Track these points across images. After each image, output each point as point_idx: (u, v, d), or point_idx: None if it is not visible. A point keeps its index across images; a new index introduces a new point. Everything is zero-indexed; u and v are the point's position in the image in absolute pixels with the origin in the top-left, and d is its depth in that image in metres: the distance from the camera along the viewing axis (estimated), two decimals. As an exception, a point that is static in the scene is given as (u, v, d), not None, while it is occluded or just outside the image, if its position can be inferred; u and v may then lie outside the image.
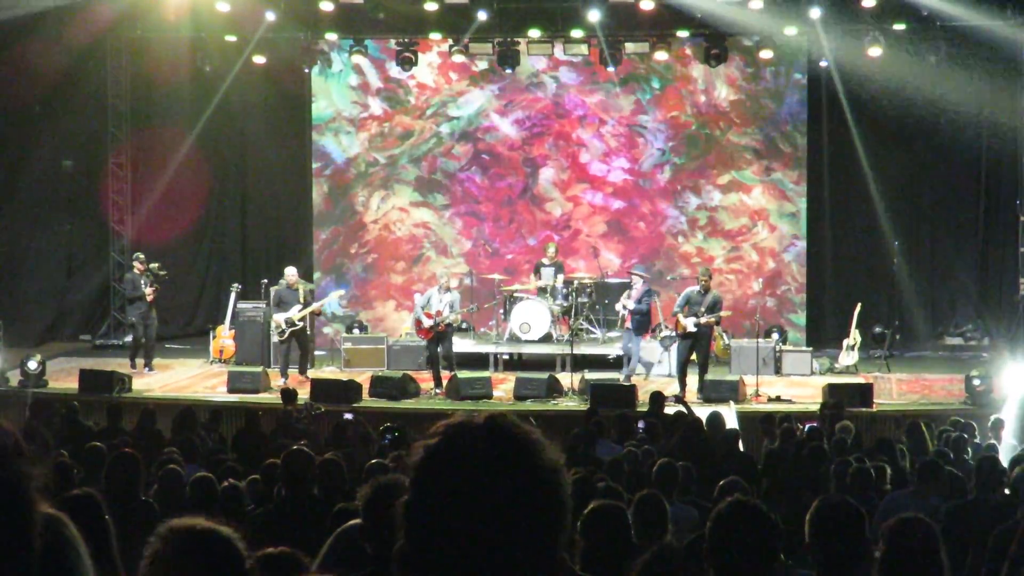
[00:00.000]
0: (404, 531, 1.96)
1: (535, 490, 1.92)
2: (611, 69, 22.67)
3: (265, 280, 22.33)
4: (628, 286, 20.12)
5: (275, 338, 20.33)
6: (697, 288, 18.89)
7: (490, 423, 1.96)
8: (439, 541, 1.90)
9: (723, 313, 19.03)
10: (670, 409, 15.49)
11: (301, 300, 19.79)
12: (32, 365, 19.17)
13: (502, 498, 1.88)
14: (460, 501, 1.89)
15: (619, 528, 5.19)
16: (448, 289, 19.15)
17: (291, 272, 20.15)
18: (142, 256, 20.88)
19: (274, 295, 20.28)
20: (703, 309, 18.53)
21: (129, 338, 23.77)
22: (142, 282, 20.48)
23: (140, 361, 20.71)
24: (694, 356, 18.75)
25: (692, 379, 18.64)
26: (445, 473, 1.92)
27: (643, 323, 19.68)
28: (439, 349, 19.08)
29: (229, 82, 24.03)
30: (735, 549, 4.40)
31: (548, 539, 1.93)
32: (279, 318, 19.74)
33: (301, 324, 19.75)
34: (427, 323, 18.95)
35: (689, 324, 18.55)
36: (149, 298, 20.51)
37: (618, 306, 20.01)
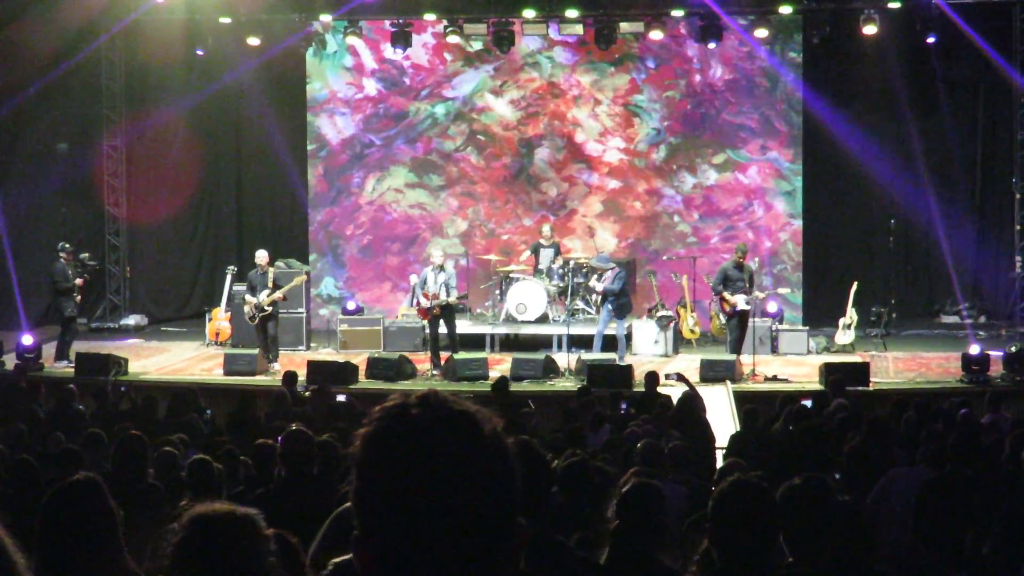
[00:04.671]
0: (356, 520, 1.96)
1: (479, 460, 1.92)
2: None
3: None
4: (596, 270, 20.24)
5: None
6: (731, 264, 18.78)
7: (424, 401, 1.96)
8: (392, 526, 1.90)
9: (782, 290, 19.23)
10: (672, 389, 15.46)
11: (270, 284, 19.43)
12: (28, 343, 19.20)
13: (448, 473, 1.89)
14: (407, 482, 1.89)
15: (654, 507, 5.20)
16: (442, 268, 18.99)
17: (261, 255, 19.75)
18: (68, 246, 20.34)
19: (247, 279, 20.03)
20: (747, 284, 18.44)
21: (130, 320, 23.77)
22: (69, 272, 19.91)
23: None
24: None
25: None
26: (387, 457, 1.92)
27: (624, 305, 19.60)
28: (441, 330, 19.04)
29: (224, 64, 24.01)
30: (738, 527, 4.41)
31: (501, 507, 1.93)
32: (250, 303, 19.59)
33: (271, 309, 19.45)
34: (424, 304, 18.92)
35: (740, 301, 18.41)
36: (79, 289, 20.06)
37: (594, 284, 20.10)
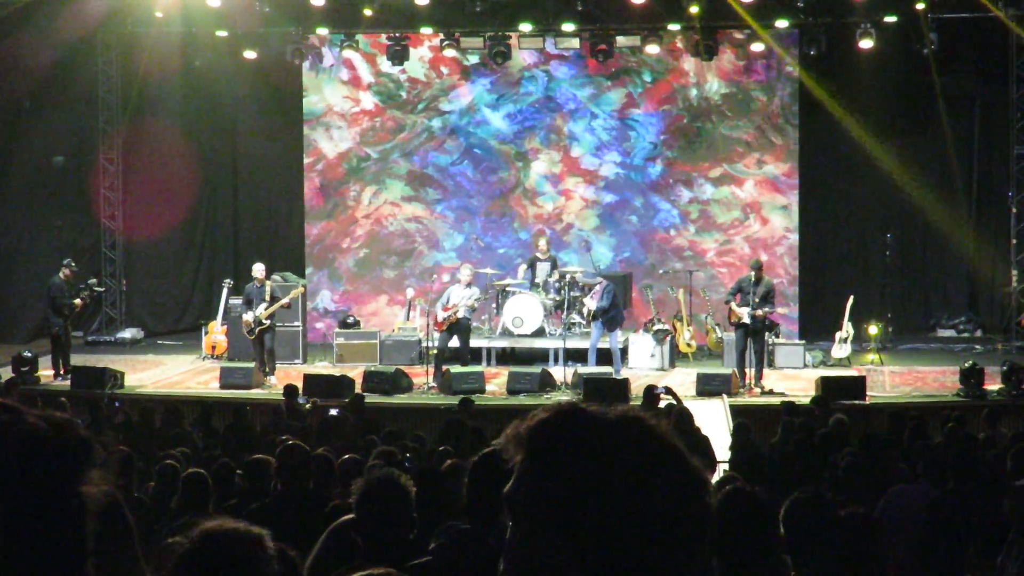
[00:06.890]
0: (513, 520, 1.83)
1: (664, 464, 1.82)
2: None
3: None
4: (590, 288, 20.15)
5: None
6: (750, 276, 18.69)
7: (626, 420, 1.84)
8: (559, 526, 1.77)
9: (780, 309, 19.05)
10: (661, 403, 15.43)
11: (267, 298, 19.42)
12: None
13: (631, 473, 1.78)
14: (584, 480, 1.77)
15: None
16: (470, 284, 19.50)
17: (258, 269, 19.75)
18: (74, 264, 20.30)
19: (244, 293, 20.00)
20: (757, 299, 18.37)
21: (126, 334, 23.69)
22: (66, 289, 19.76)
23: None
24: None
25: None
26: (564, 453, 1.80)
27: (613, 318, 19.58)
28: (454, 343, 19.38)
29: (220, 77, 24.02)
30: (736, 537, 4.40)
31: (684, 523, 1.81)
32: (247, 317, 19.53)
33: (268, 322, 19.42)
34: (442, 315, 19.17)
35: (744, 314, 18.37)
36: (77, 309, 19.95)
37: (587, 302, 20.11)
